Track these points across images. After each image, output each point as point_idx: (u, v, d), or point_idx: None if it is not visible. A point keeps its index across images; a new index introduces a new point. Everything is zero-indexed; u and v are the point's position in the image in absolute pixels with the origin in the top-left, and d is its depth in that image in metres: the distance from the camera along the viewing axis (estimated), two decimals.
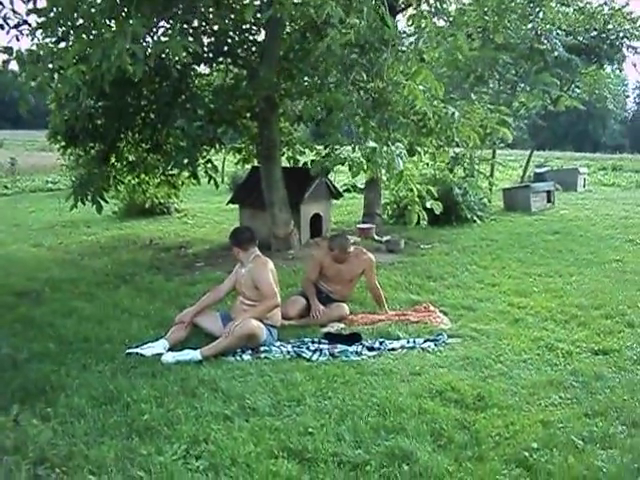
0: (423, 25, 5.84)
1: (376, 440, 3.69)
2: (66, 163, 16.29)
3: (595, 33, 13.94)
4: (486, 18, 8.65)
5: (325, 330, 5.82)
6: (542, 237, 10.82)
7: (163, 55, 7.76)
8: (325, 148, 9.35)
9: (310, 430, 3.77)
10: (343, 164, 7.19)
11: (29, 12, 6.14)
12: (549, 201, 15.28)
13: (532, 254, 9.35)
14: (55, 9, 5.37)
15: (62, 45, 6.08)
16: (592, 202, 16.29)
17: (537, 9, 11.50)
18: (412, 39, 7.39)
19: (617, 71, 19.48)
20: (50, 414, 4.02)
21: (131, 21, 5.44)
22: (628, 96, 61.17)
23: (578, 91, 17.04)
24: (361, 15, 4.22)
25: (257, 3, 5.17)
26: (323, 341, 5.50)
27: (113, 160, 9.65)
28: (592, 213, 13.92)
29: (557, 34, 12.25)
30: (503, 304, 6.66)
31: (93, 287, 7.45)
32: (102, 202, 8.98)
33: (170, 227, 12.31)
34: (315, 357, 5.12)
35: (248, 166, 11.57)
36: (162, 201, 13.47)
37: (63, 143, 9.28)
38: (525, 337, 5.55)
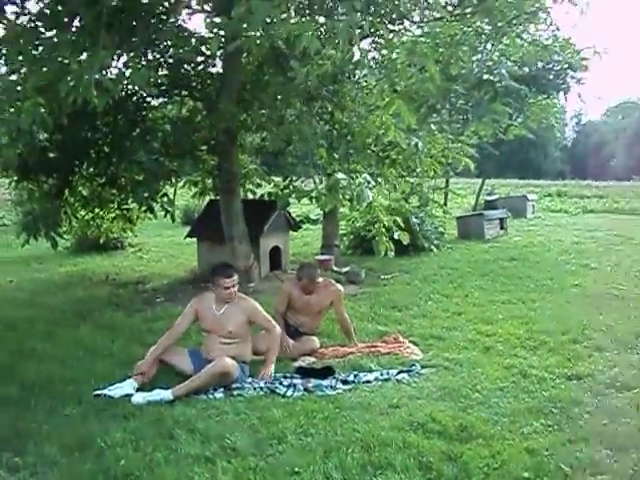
0: (395, 56, 5.86)
1: (364, 477, 3.60)
2: (11, 198, 15.94)
3: (541, 64, 14.36)
4: (440, 50, 8.76)
5: (297, 364, 5.71)
6: (499, 264, 10.93)
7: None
8: (284, 180, 9.29)
9: (296, 469, 3.64)
10: (306, 196, 7.15)
11: None
12: (502, 228, 15.54)
13: (492, 281, 9.42)
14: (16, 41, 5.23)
15: (13, 77, 5.94)
16: (543, 228, 16.62)
17: (486, 43, 11.74)
18: (374, 69, 7.40)
19: (557, 100, 20.02)
20: (19, 464, 3.79)
21: (87, 54, 5.32)
22: (566, 124, 62.97)
23: (519, 120, 17.41)
24: (337, 46, 4.22)
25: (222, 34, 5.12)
26: (295, 376, 5.39)
27: (67, 194, 9.41)
28: (544, 239, 14.18)
29: (507, 65, 12.54)
30: (471, 332, 6.66)
31: (51, 326, 7.17)
32: (57, 238, 8.76)
33: (125, 262, 12.04)
34: (290, 392, 5.01)
35: (204, 199, 11.41)
36: (116, 236, 13.16)
37: (15, 177, 9.00)
38: (498, 365, 5.54)
